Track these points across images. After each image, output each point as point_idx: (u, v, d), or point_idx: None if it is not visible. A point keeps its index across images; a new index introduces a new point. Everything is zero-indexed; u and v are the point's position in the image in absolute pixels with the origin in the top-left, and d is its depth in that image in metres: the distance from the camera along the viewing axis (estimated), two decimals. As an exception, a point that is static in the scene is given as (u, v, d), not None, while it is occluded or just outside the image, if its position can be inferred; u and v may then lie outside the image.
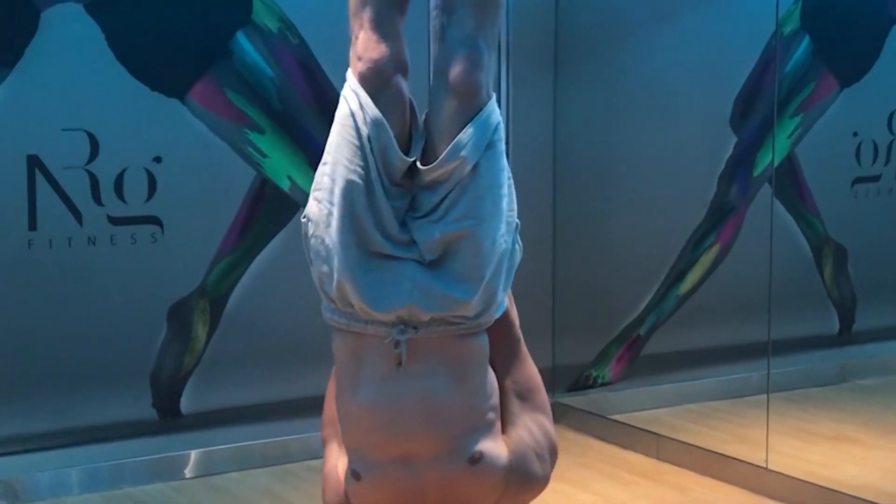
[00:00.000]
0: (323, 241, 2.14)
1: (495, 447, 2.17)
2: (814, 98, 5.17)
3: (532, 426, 2.22)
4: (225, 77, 4.43)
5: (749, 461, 4.35)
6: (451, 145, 2.13)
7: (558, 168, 5.16)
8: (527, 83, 5.01)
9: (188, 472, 4.45)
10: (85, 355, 4.31)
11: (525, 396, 2.24)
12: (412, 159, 2.15)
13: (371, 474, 2.17)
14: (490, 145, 2.15)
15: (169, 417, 4.47)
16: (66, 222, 4.23)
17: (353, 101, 2.14)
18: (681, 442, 4.62)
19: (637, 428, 4.83)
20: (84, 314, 4.30)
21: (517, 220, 2.23)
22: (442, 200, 2.14)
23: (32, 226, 4.18)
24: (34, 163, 4.16)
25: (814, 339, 5.29)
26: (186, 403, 4.50)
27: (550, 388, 5.17)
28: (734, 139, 5.16)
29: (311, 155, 4.55)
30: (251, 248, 4.55)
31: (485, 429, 2.17)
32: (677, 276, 5.20)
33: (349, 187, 2.11)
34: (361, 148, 2.12)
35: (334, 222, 2.12)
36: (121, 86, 4.25)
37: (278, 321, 4.58)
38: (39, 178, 4.17)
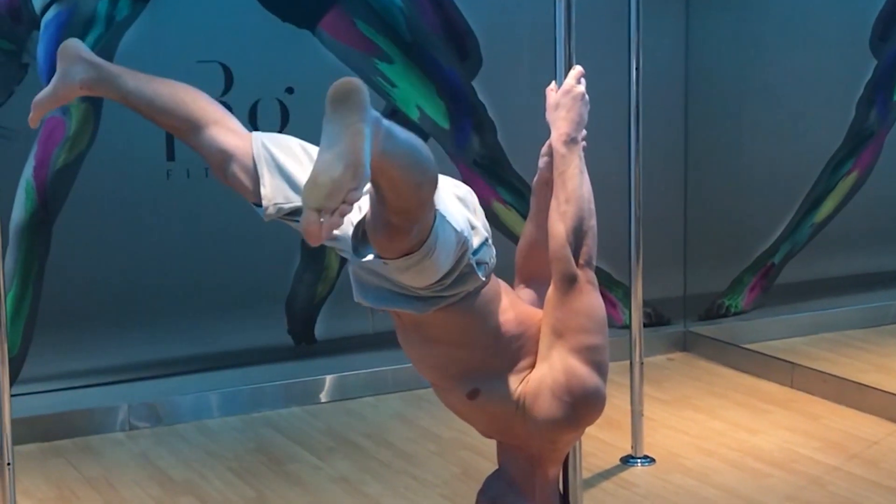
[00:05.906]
0: None
1: (497, 385, 2.23)
2: (958, 17, 4.99)
3: (557, 364, 2.19)
4: (355, 7, 4.46)
5: (886, 390, 4.27)
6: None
7: (690, 95, 5.08)
8: (658, 9, 4.92)
9: (323, 397, 4.55)
10: (222, 283, 4.43)
11: (563, 334, 2.20)
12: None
13: None
14: None
15: (304, 343, 4.58)
16: (202, 153, 4.33)
17: None
18: (816, 371, 4.55)
19: (771, 357, 4.77)
20: (220, 242, 4.41)
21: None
22: None
23: (171, 156, 4.29)
24: (171, 95, 4.26)
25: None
26: (320, 330, 4.59)
27: (681, 316, 5.14)
28: (874, 62, 5.00)
29: (440, 85, 4.55)
30: (382, 176, 4.58)
31: (486, 371, 2.24)
32: (813, 203, 5.10)
33: None
34: None
35: None
36: (253, 18, 4.32)
37: (409, 249, 4.62)
38: (176, 110, 4.27)
